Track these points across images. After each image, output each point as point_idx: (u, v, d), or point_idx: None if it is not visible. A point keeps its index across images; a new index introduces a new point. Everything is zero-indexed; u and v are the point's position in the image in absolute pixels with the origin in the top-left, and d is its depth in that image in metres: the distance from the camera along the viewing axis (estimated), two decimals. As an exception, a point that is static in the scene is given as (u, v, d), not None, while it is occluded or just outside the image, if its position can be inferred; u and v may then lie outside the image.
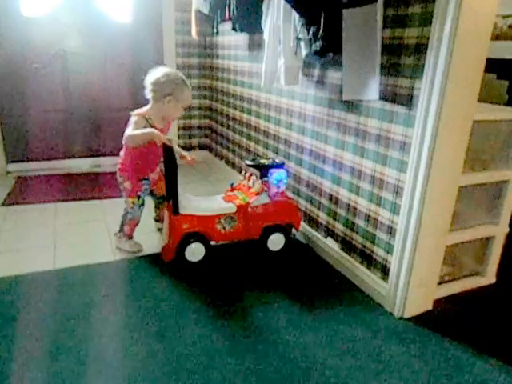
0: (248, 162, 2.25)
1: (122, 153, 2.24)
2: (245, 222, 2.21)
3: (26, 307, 1.81)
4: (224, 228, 2.18)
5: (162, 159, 2.22)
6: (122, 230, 2.31)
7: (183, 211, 2.10)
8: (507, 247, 2.13)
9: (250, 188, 2.27)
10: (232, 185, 2.36)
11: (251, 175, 2.30)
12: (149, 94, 2.15)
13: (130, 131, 2.09)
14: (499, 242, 2.10)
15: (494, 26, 2.61)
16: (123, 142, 2.14)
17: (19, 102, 3.50)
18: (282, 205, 2.26)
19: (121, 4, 3.60)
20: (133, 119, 2.13)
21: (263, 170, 2.23)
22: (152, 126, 2.10)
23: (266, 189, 2.21)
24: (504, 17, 2.62)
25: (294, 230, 2.37)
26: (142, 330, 1.69)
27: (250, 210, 2.19)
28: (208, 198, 2.32)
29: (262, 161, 2.25)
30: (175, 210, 2.08)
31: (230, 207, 2.18)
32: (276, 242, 2.29)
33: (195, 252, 2.14)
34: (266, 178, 2.22)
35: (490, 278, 2.14)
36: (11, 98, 3.47)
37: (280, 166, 2.25)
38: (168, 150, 2.03)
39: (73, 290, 1.94)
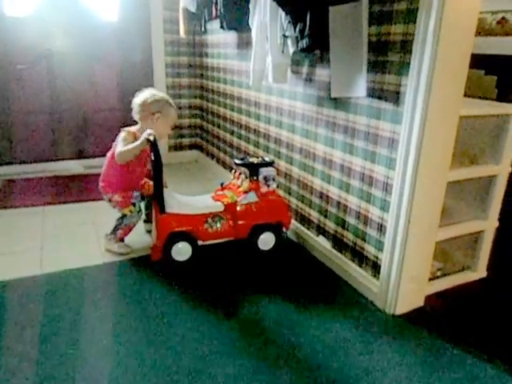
0: (237, 161, 2.24)
1: (104, 169, 2.26)
2: (233, 221, 2.20)
3: (14, 312, 1.79)
4: (211, 227, 2.17)
5: (146, 172, 2.33)
6: (114, 233, 2.29)
7: (170, 210, 2.10)
8: (497, 241, 2.14)
9: (239, 187, 2.26)
10: (222, 184, 2.35)
11: (240, 174, 2.30)
12: (136, 115, 2.23)
13: (120, 148, 2.13)
14: (489, 236, 2.11)
15: (483, 22, 2.63)
16: (116, 159, 2.15)
17: (5, 104, 3.46)
18: (271, 203, 2.25)
19: (108, 2, 3.56)
20: (122, 135, 2.17)
21: (252, 169, 2.22)
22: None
23: (254, 187, 2.21)
24: (493, 13, 2.62)
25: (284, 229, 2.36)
26: (132, 332, 1.68)
27: (237, 208, 2.19)
28: (197, 197, 2.32)
29: (251, 159, 2.24)
30: (161, 208, 2.08)
31: (218, 206, 2.18)
32: (266, 241, 2.28)
33: (182, 251, 2.13)
34: (255, 177, 2.21)
35: (480, 272, 2.15)
36: (-3, 102, 3.44)
37: (269, 164, 2.25)
38: (155, 149, 2.02)
39: (61, 294, 1.92)
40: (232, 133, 3.31)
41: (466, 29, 1.57)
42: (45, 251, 2.30)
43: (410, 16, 1.58)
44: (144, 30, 3.73)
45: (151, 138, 2.02)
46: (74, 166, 3.74)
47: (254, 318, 1.79)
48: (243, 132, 3.09)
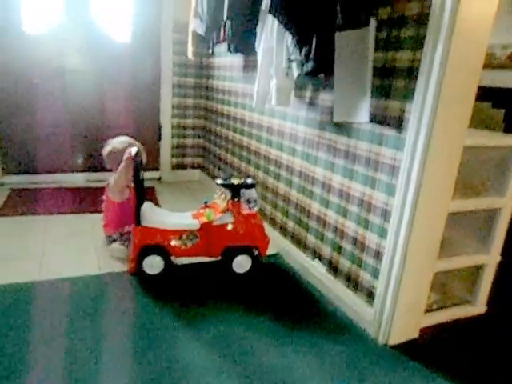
0: (218, 181, 2.24)
1: (104, 214, 2.44)
2: (206, 241, 2.18)
3: (7, 317, 1.77)
4: (185, 244, 2.16)
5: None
6: (125, 243, 2.36)
7: (146, 223, 2.11)
8: (498, 277, 2.09)
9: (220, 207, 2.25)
10: (206, 202, 2.33)
11: (222, 193, 2.27)
12: (108, 165, 2.47)
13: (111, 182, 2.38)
14: (490, 270, 2.06)
15: (492, 55, 2.64)
16: (111, 194, 2.37)
17: (18, 117, 3.50)
18: (247, 227, 2.22)
19: (120, 24, 3.65)
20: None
21: (233, 190, 2.20)
22: None
23: (231, 208, 2.18)
24: (503, 47, 2.63)
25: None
26: (123, 345, 1.65)
27: (212, 228, 2.17)
28: (179, 213, 2.32)
29: (233, 180, 2.23)
30: (137, 221, 2.10)
31: (194, 224, 2.17)
32: (242, 263, 2.24)
33: (153, 264, 2.13)
34: (236, 198, 2.19)
35: (480, 307, 2.09)
36: (10, 112, 3.47)
37: (251, 186, 2.22)
38: (134, 163, 2.10)
39: (56, 301, 1.91)
40: (233, 154, 3.30)
41: (473, 60, 1.55)
42: (44, 259, 2.30)
43: (417, 43, 1.57)
44: (154, 51, 3.79)
45: (132, 153, 2.12)
46: (80, 179, 3.76)
47: (245, 340, 1.74)
48: (244, 153, 3.08)
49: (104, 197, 2.44)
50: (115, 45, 3.66)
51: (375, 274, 1.82)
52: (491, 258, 2.04)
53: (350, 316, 1.96)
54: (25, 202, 3.16)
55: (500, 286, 2.10)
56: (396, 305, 1.72)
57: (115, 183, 2.35)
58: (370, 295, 1.86)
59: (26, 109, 3.51)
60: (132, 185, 2.19)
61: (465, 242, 1.99)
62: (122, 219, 2.36)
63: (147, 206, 2.20)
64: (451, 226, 1.82)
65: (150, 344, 1.67)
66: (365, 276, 1.89)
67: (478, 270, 2.06)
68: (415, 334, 1.85)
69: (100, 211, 2.50)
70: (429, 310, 1.94)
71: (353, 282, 1.97)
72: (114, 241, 2.40)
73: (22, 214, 2.94)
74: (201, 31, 3.20)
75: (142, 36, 3.73)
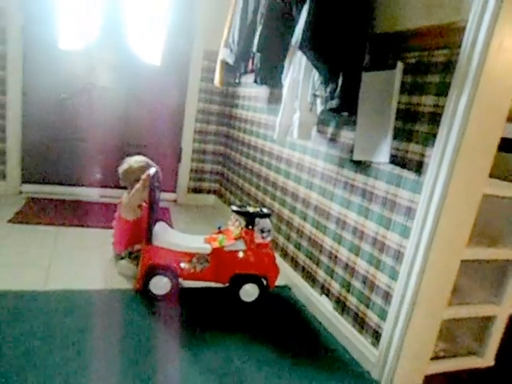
0: (234, 208, 2.26)
1: (115, 231, 2.47)
2: (216, 266, 2.18)
3: (4, 324, 1.77)
4: (194, 267, 2.16)
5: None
6: (134, 259, 2.36)
7: (157, 243, 2.12)
8: (510, 330, 2.04)
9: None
10: (220, 228, 2.34)
11: (236, 220, 2.29)
12: (122, 182, 2.53)
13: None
14: (501, 322, 2.02)
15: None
16: (124, 213, 2.38)
17: (43, 128, 3.59)
18: (259, 256, 2.23)
19: (152, 47, 3.76)
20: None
21: (248, 218, 2.21)
22: None
23: (244, 236, 2.19)
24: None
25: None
26: (116, 364, 1.62)
27: (223, 254, 2.17)
28: (191, 235, 2.33)
29: (249, 209, 2.25)
30: (148, 239, 2.12)
31: (205, 248, 2.18)
32: (250, 292, 2.24)
33: (160, 285, 2.13)
34: (251, 226, 2.20)
35: (488, 359, 2.04)
36: (36, 124, 3.57)
37: (266, 216, 2.24)
38: (151, 183, 2.13)
39: (55, 313, 1.91)
40: (250, 183, 3.33)
41: (498, 110, 1.56)
42: (51, 269, 2.31)
43: (442, 89, 1.59)
44: (182, 75, 3.87)
45: (151, 173, 2.15)
46: (96, 193, 3.80)
47: (244, 372, 1.71)
48: (261, 183, 3.11)
49: (116, 214, 2.46)
50: (145, 66, 3.77)
51: (383, 315, 1.80)
52: (502, 310, 2.01)
53: (354, 355, 1.93)
54: (40, 212, 3.20)
55: (510, 340, 2.06)
56: (402, 349, 1.70)
57: (128, 202, 2.37)
58: (376, 336, 1.83)
59: (52, 121, 3.60)
60: (145, 204, 2.21)
61: (477, 291, 1.97)
62: (132, 237, 2.37)
63: (160, 227, 2.22)
64: (464, 273, 1.80)
65: (145, 365, 1.65)
66: (372, 316, 1.87)
67: (488, 321, 2.02)
68: (419, 381, 1.81)
69: (111, 227, 2.53)
70: (435, 358, 1.91)
71: (359, 322, 1.95)
72: (123, 258, 2.40)
73: (36, 223, 2.97)
74: (230, 61, 3.28)
75: (171, 60, 3.83)
